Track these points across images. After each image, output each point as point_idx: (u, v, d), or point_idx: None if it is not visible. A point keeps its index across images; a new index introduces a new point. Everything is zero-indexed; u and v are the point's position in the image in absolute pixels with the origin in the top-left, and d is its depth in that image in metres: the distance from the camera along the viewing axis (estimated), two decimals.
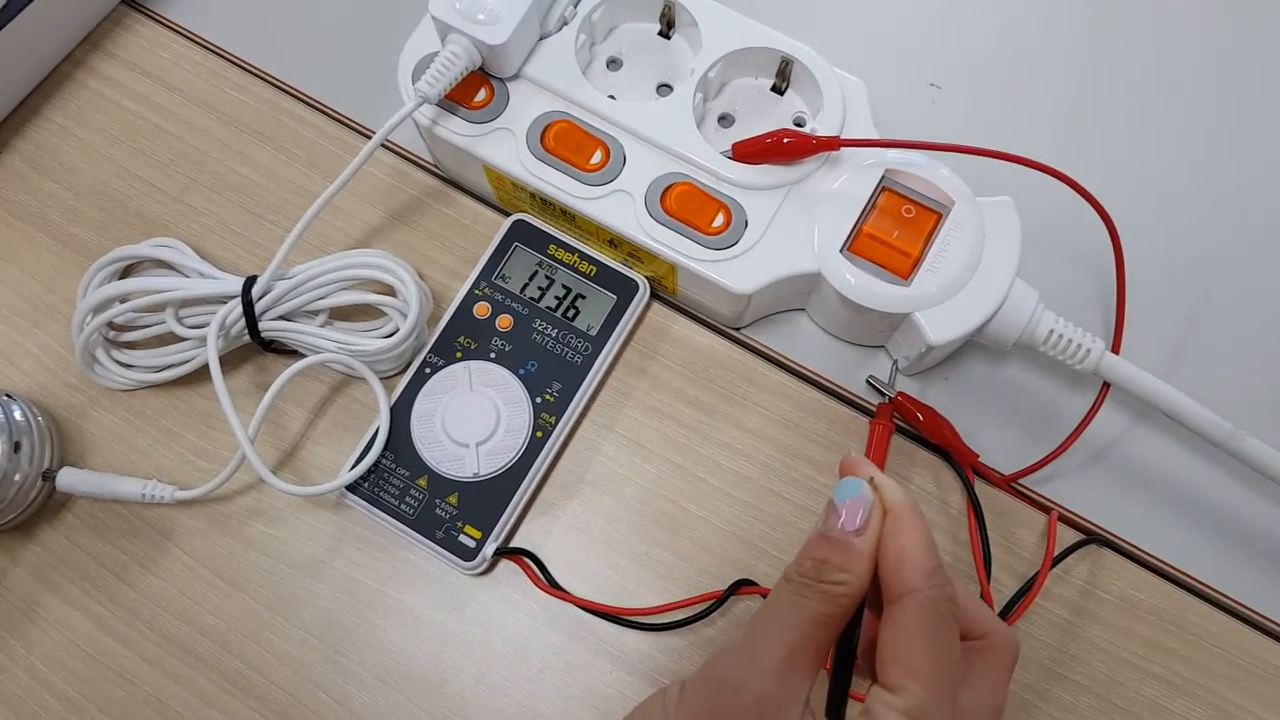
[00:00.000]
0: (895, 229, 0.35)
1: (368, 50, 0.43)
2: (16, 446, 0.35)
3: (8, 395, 0.37)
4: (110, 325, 0.38)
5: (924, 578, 0.23)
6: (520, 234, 0.39)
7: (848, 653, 0.25)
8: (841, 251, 0.35)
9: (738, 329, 0.40)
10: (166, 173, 0.42)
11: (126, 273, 0.40)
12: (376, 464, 0.36)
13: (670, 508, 0.37)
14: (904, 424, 0.38)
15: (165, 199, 0.42)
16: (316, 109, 0.43)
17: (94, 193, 0.42)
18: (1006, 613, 0.35)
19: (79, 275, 0.40)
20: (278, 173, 0.42)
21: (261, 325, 0.36)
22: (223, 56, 0.44)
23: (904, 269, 0.35)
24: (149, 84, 0.44)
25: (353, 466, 0.36)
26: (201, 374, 0.38)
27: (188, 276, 0.38)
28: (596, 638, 0.36)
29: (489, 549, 0.36)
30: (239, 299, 0.36)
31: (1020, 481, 0.37)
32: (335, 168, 0.41)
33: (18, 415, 0.36)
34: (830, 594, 0.24)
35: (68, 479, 0.36)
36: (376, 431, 0.36)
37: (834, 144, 0.35)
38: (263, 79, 0.43)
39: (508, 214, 0.40)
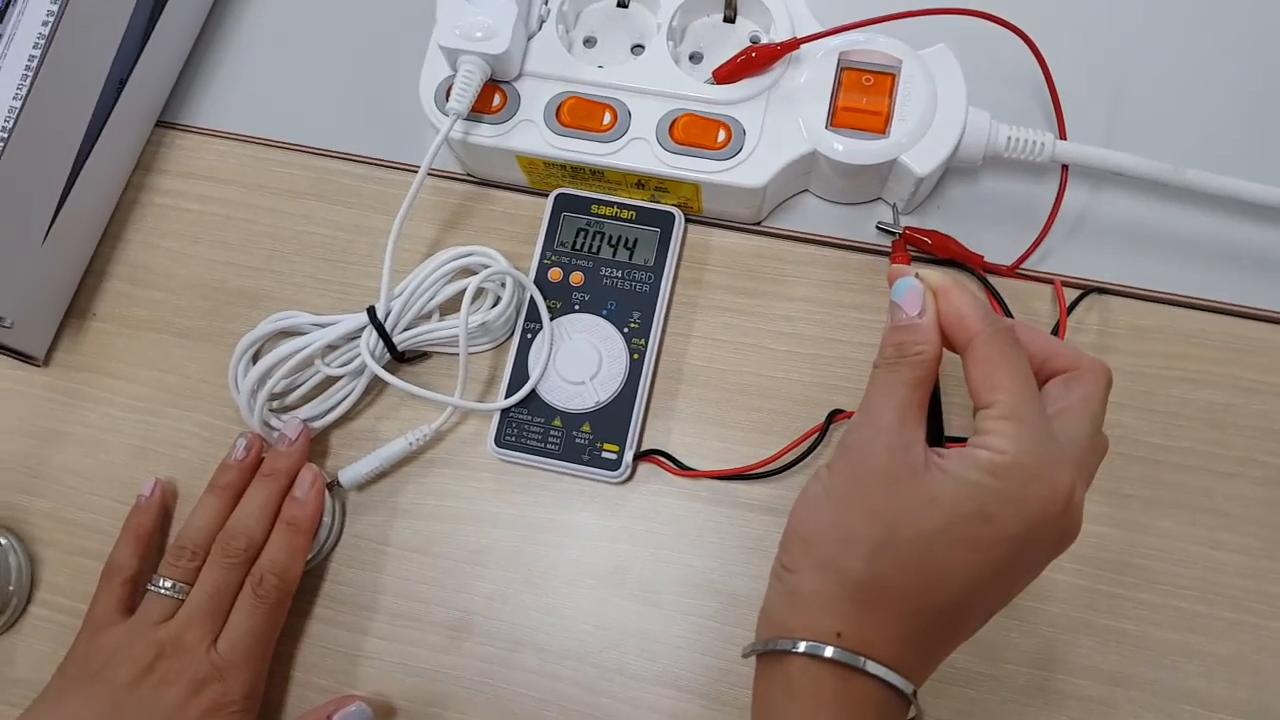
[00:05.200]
0: (863, 96, 0.43)
1: (379, 98, 0.50)
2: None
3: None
4: (271, 395, 0.44)
5: (979, 322, 0.31)
6: (564, 204, 0.46)
7: (936, 399, 0.33)
8: (826, 128, 0.43)
9: (759, 223, 0.47)
10: (248, 251, 0.49)
11: (258, 353, 0.45)
12: (516, 421, 0.44)
13: (755, 380, 0.45)
14: (917, 251, 0.45)
15: (255, 273, 0.49)
16: (353, 160, 0.50)
17: (193, 288, 0.49)
18: None
19: (208, 358, 0.47)
20: (341, 222, 0.49)
21: (396, 339, 0.43)
22: (258, 143, 0.51)
23: (880, 126, 0.42)
24: (204, 184, 0.50)
25: (507, 396, 0.44)
26: (358, 404, 0.45)
27: (307, 333, 0.45)
28: (733, 496, 0.43)
29: (628, 456, 0.43)
30: (370, 326, 0.43)
31: (1022, 267, 0.45)
32: (388, 203, 0.48)
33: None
34: (915, 362, 0.31)
35: (346, 477, 0.44)
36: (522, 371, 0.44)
37: (793, 45, 0.42)
38: (299, 150, 0.50)
39: (543, 194, 0.47)
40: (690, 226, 0.47)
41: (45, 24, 0.46)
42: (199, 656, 0.39)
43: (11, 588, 0.44)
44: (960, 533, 0.29)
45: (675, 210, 0.46)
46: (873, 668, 0.29)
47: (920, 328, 0.32)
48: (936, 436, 0.33)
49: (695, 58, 0.46)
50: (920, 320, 0.32)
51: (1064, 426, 0.31)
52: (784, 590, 0.31)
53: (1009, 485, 0.29)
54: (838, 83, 0.43)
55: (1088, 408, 0.32)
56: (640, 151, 0.44)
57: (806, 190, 0.47)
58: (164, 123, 0.51)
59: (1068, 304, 0.43)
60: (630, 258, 0.46)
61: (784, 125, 0.43)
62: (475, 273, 0.44)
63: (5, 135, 0.44)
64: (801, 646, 0.29)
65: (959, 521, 0.29)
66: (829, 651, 0.29)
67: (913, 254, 0.45)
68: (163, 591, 0.40)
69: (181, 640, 0.39)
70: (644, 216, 0.46)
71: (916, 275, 0.33)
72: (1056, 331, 0.43)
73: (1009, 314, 0.44)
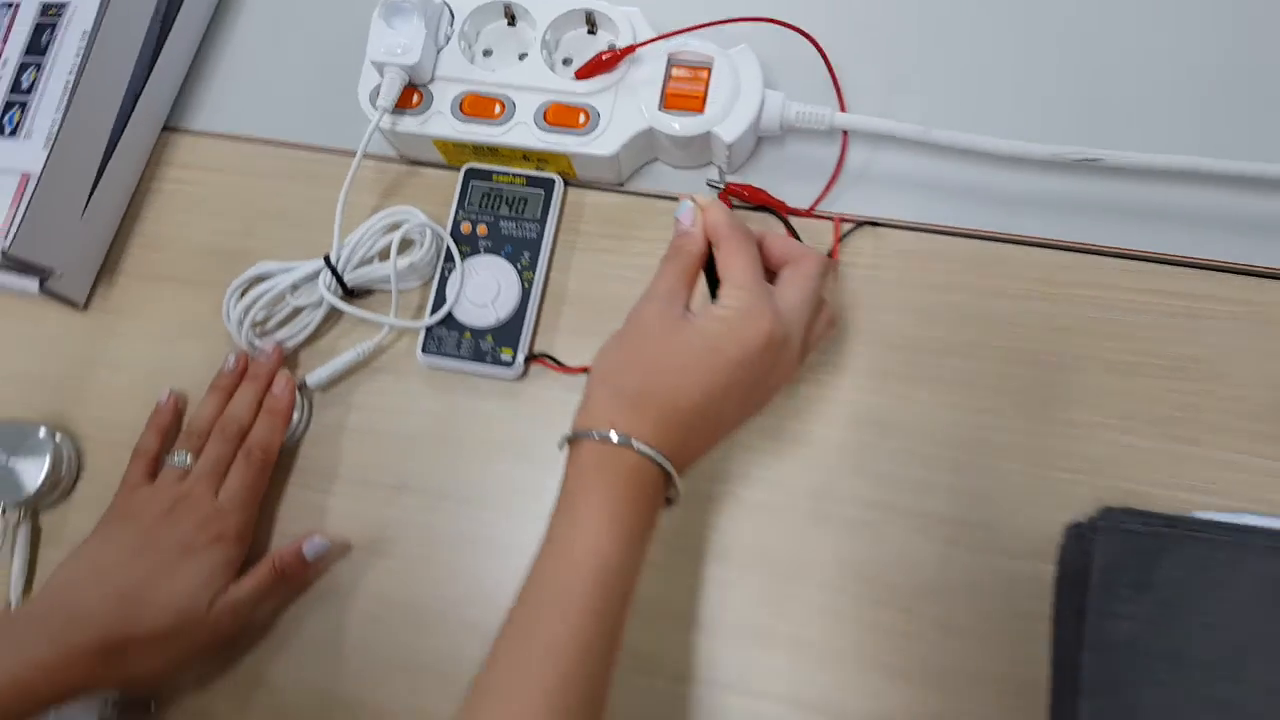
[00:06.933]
0: (686, 85, 0.57)
1: (331, 100, 0.65)
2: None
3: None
4: (254, 323, 0.59)
5: (726, 228, 0.46)
6: (472, 175, 0.61)
7: (712, 267, 0.48)
8: (660, 110, 0.57)
9: (621, 184, 0.62)
10: (235, 221, 0.64)
11: (244, 293, 0.60)
12: (437, 335, 0.58)
13: (619, 300, 0.56)
14: (738, 201, 0.60)
15: (241, 236, 0.64)
16: (313, 150, 0.65)
17: (195, 250, 0.64)
18: None
19: (207, 300, 0.62)
20: (306, 195, 0.64)
21: (346, 278, 0.58)
22: (241, 140, 0.66)
23: (698, 106, 0.57)
24: (201, 173, 0.66)
25: (431, 313, 0.59)
26: (320, 329, 0.60)
27: (279, 276, 0.60)
28: None
29: (520, 357, 0.58)
30: (326, 267, 0.58)
31: (817, 210, 0.59)
32: (337, 177, 0.63)
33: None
34: (684, 254, 0.47)
35: (313, 379, 0.59)
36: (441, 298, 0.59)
37: (632, 49, 0.57)
38: (269, 143, 0.65)
39: (457, 169, 0.62)
40: (569, 190, 0.62)
41: (78, 54, 0.61)
42: (206, 503, 0.53)
43: (64, 471, 0.59)
44: (699, 359, 0.44)
45: (555, 177, 0.61)
46: (638, 445, 0.43)
47: (690, 234, 0.48)
48: (712, 285, 0.49)
49: (568, 61, 0.61)
50: (692, 229, 0.48)
51: (782, 294, 0.47)
52: (583, 405, 0.46)
53: (729, 327, 0.44)
54: (667, 75, 0.58)
55: (804, 280, 0.47)
56: (523, 133, 0.58)
57: (656, 159, 0.62)
58: (169, 127, 0.67)
59: (843, 234, 0.58)
60: (523, 213, 0.60)
61: (629, 109, 0.58)
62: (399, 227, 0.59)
63: (52, 140, 0.59)
64: (594, 435, 0.44)
65: (700, 352, 0.44)
66: (611, 435, 0.43)
67: (734, 203, 0.60)
68: (177, 461, 0.55)
69: (192, 492, 0.54)
70: (532, 182, 0.61)
71: (692, 199, 0.48)
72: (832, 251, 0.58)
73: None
